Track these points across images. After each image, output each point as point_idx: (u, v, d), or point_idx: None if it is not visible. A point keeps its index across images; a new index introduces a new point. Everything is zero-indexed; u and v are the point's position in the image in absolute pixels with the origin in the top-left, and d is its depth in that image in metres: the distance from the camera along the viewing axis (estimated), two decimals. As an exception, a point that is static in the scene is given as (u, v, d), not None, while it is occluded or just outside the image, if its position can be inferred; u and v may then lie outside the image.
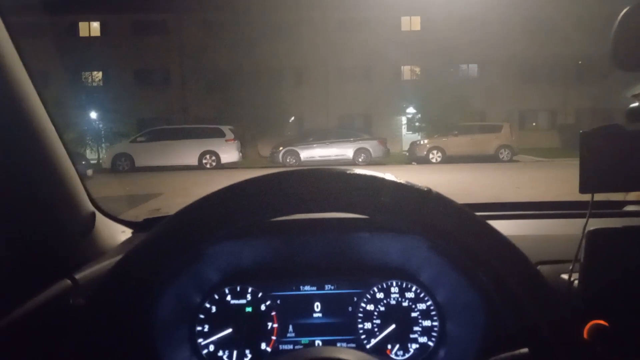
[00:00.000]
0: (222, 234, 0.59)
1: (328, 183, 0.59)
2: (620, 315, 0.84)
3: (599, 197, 0.88)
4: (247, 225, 0.60)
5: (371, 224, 1.09)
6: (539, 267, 1.01)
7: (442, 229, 0.58)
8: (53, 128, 1.00)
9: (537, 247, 1.07)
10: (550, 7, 22.32)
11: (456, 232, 0.58)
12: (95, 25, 25.90)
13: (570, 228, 1.12)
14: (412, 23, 25.98)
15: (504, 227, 1.22)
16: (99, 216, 1.17)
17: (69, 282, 0.96)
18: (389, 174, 0.60)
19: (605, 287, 0.85)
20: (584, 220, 0.88)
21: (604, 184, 0.87)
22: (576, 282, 0.89)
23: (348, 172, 0.59)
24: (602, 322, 0.84)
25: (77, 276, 0.98)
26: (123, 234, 1.29)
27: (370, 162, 17.15)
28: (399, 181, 0.59)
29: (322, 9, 23.47)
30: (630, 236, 0.87)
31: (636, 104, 0.95)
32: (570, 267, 0.92)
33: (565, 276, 0.94)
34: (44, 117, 0.98)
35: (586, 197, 0.88)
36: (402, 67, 25.99)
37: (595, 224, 0.87)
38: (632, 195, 1.52)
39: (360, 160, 17.32)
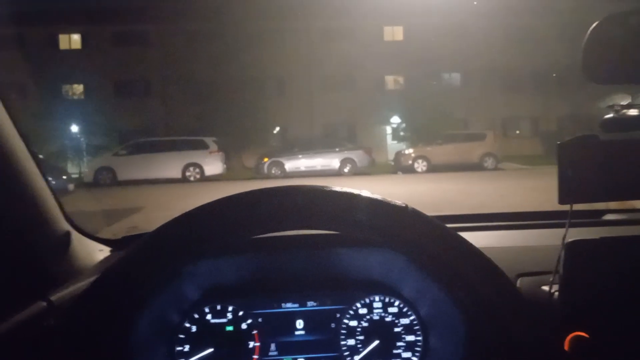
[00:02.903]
0: (200, 252, 0.58)
1: (304, 201, 0.58)
2: (601, 326, 0.84)
3: (579, 206, 0.89)
4: (225, 243, 0.59)
5: (351, 239, 1.08)
6: (519, 279, 1.01)
7: (417, 243, 0.58)
8: (22, 143, 0.98)
9: (518, 259, 1.07)
10: (531, 17, 22.70)
11: (431, 246, 0.58)
12: (76, 38, 25.70)
13: (551, 238, 1.12)
14: (394, 33, 26.21)
15: (485, 238, 1.23)
16: (75, 234, 1.15)
17: (43, 303, 0.93)
18: (365, 191, 0.60)
19: (585, 298, 0.85)
20: (564, 230, 0.88)
21: (582, 194, 0.87)
22: (557, 293, 0.89)
23: (324, 189, 0.59)
24: (582, 333, 0.84)
25: (52, 297, 0.95)
26: (101, 252, 1.26)
27: (356, 172, 17.12)
28: (374, 197, 0.59)
29: (304, 19, 23.58)
30: (609, 246, 0.87)
31: (610, 115, 0.96)
32: (551, 279, 0.92)
33: (545, 288, 0.94)
34: (10, 131, 0.95)
35: (566, 207, 0.88)
36: (385, 76, 26.17)
37: (574, 234, 0.88)
38: (612, 204, 1.53)
39: (346, 170, 17.26)
